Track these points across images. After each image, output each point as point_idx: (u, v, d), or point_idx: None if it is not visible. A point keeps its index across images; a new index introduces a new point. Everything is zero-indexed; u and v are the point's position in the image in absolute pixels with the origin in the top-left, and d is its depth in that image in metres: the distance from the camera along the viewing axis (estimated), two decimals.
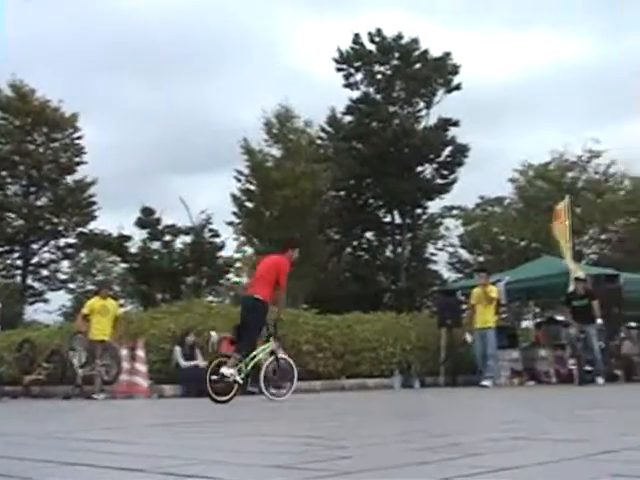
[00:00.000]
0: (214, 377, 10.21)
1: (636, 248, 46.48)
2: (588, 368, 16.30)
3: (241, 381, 10.45)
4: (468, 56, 70.38)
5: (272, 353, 10.97)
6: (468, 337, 17.59)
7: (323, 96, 60.16)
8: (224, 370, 10.22)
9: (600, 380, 15.63)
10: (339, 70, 46.69)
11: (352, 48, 46.41)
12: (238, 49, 73.05)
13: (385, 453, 3.66)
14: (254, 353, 10.70)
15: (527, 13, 79.16)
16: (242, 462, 3.45)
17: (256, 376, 10.79)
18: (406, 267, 47.30)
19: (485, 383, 16.40)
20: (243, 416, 8.04)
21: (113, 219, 59.36)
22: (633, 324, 18.97)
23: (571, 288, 16.66)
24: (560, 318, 19.84)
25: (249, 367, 10.58)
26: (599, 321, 16.16)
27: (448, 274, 50.54)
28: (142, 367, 15.72)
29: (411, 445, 3.96)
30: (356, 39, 46.38)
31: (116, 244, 42.42)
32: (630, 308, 19.69)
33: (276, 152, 37.33)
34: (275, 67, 68.54)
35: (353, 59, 46.52)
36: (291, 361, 11.33)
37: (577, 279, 16.60)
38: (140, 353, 15.78)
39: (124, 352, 15.73)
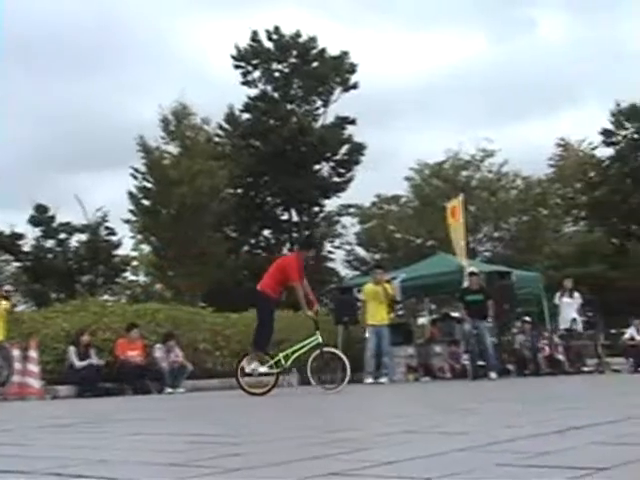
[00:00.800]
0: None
1: (528, 246, 47.69)
2: (481, 363, 16.66)
3: (274, 372, 10.69)
4: (366, 55, 71.29)
5: (318, 346, 11.18)
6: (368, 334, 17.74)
7: (221, 93, 59.94)
8: (244, 365, 10.60)
9: (493, 375, 15.96)
10: (237, 67, 46.61)
11: (250, 45, 46.37)
12: (136, 44, 72.03)
13: (277, 449, 3.68)
14: (299, 345, 10.99)
15: (426, 14, 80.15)
16: (136, 460, 3.43)
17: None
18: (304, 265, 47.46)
19: (368, 380, 16.53)
20: (138, 415, 7.97)
21: (5, 217, 57.98)
22: (527, 318, 19.44)
23: (465, 284, 16.99)
24: (455, 314, 20.24)
25: (290, 360, 10.88)
26: (489, 320, 16.55)
27: (345, 271, 50.98)
28: (35, 368, 15.38)
29: (303, 441, 3.99)
30: (254, 36, 46.34)
31: (8, 242, 41.48)
32: (522, 304, 20.20)
33: (173, 149, 37.04)
34: (173, 63, 68.03)
35: (251, 56, 46.47)
36: (340, 353, 11.62)
37: (471, 274, 16.92)
38: (33, 354, 15.44)
39: (16, 353, 15.39)
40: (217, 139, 43.83)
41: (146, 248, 42.12)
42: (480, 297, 16.47)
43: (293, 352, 10.90)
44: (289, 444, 3.93)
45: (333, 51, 46.56)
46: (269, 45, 46.59)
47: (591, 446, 3.25)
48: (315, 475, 2.70)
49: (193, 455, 3.47)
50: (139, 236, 40.52)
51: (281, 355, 10.80)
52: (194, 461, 3.20)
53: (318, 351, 11.12)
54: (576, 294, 18.90)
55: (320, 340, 11.02)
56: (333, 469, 2.80)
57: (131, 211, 37.56)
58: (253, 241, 48.81)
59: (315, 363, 11.11)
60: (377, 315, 16.90)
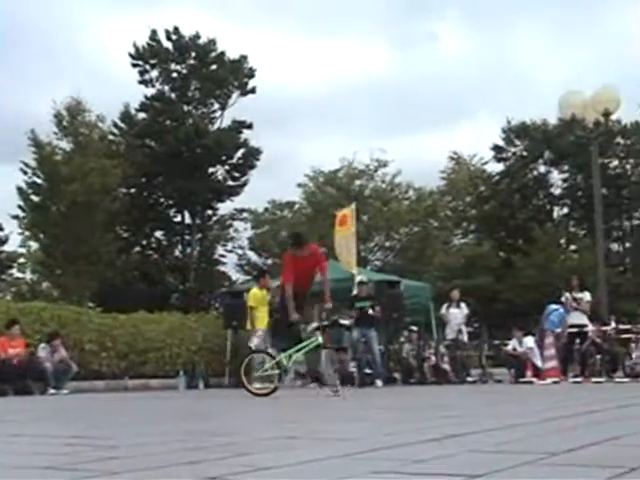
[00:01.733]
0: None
1: (418, 256, 48.42)
2: (368, 371, 16.82)
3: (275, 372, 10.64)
4: (266, 60, 71.29)
5: (319, 347, 10.94)
6: (254, 340, 17.72)
7: (118, 91, 59.20)
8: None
9: (379, 382, 16.14)
10: (135, 66, 46.06)
11: (149, 44, 45.90)
12: (33, 37, 70.52)
13: (157, 453, 3.66)
14: (300, 346, 10.69)
15: (329, 22, 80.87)
16: (11, 464, 3.36)
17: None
18: (195, 268, 47.22)
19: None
20: (18, 416, 7.80)
21: None
22: (414, 328, 19.70)
23: (355, 291, 17.15)
24: (344, 322, 20.33)
25: (290, 361, 10.66)
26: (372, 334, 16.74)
27: (237, 276, 50.89)
28: None
29: (185, 445, 3.97)
30: (153, 36, 45.91)
31: None
32: (410, 314, 20.48)
33: (66, 145, 36.36)
34: (70, 59, 66.77)
35: (149, 56, 46.02)
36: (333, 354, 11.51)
37: (360, 283, 17.09)
38: None
39: None
40: (112, 137, 43.21)
41: (34, 245, 41.22)
42: (368, 304, 16.66)
43: (295, 352, 10.74)
44: (169, 448, 3.90)
45: (232, 54, 46.54)
46: (168, 45, 46.21)
47: (468, 454, 3.32)
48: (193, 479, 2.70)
49: (71, 458, 3.41)
50: (27, 233, 39.63)
51: (282, 355, 10.67)
52: (71, 464, 3.16)
53: (325, 352, 10.93)
54: (463, 305, 19.25)
55: (321, 341, 10.83)
56: (210, 474, 2.79)
57: (20, 207, 36.69)
58: (145, 242, 48.27)
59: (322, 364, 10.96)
60: (263, 320, 17.00)
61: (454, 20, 79.59)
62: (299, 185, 50.70)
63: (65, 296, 30.99)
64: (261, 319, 17.10)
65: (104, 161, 35.28)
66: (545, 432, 4.40)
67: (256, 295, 17.32)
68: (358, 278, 17.57)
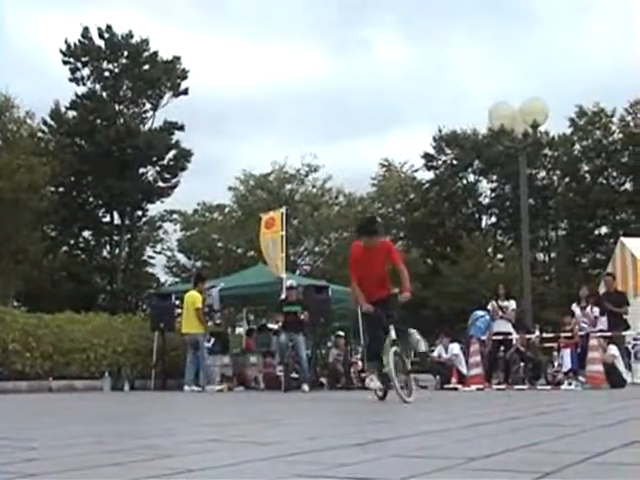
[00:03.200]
0: None
1: (347, 261, 48.58)
2: (295, 375, 16.84)
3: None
4: (200, 62, 70.90)
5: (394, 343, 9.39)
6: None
7: (48, 88, 58.21)
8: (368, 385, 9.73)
9: (306, 387, 16.15)
10: (65, 63, 45.47)
11: (80, 42, 45.35)
12: None
13: (78, 455, 3.62)
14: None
15: (264, 27, 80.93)
16: None
17: None
18: (123, 269, 46.79)
19: (187, 388, 16.56)
20: None
21: None
22: (341, 333, 19.76)
23: (283, 295, 17.15)
24: (271, 326, 20.34)
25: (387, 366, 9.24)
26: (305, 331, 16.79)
27: (165, 277, 50.57)
28: None
29: (107, 447, 3.95)
30: (85, 33, 45.38)
31: None
32: (337, 319, 20.54)
33: None
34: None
35: (81, 53, 45.48)
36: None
37: (290, 287, 17.10)
38: None
39: None
40: (41, 135, 42.64)
41: None
42: (297, 309, 16.67)
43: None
44: (91, 449, 3.88)
45: (165, 55, 46.24)
46: (100, 43, 45.72)
47: (390, 458, 3.36)
48: None
49: None
50: None
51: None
52: None
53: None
54: None
55: (394, 337, 9.35)
56: (134, 476, 2.79)
57: None
58: (72, 241, 47.68)
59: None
60: (190, 325, 17.11)
61: (389, 28, 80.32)
62: (230, 188, 50.67)
63: None
64: (189, 324, 17.18)
65: (32, 159, 34.78)
66: (466, 438, 4.46)
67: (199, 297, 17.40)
68: (288, 282, 17.57)
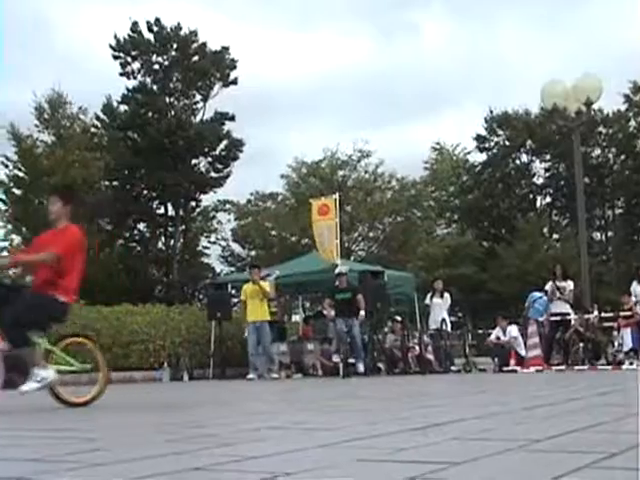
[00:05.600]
0: None
1: (401, 246, 48.50)
2: (352, 361, 16.85)
3: None
4: (249, 51, 70.97)
5: None
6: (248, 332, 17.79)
7: (99, 84, 58.73)
8: None
9: (361, 367, 16.15)
10: (116, 58, 45.78)
11: (130, 36, 45.59)
12: (10, 29, 69.94)
13: (140, 444, 3.66)
14: None
15: (311, 14, 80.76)
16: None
17: None
18: (178, 260, 47.12)
19: (251, 376, 16.62)
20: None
21: None
22: (398, 318, 19.72)
23: (336, 282, 17.12)
24: (327, 313, 20.38)
25: None
26: (362, 314, 16.69)
27: (220, 267, 50.84)
28: None
29: (168, 436, 3.98)
30: (134, 27, 45.59)
31: None
32: (393, 304, 20.52)
33: (47, 138, 36.21)
34: (51, 50, 66.27)
35: (130, 47, 45.71)
36: None
37: (339, 274, 17.03)
38: None
39: None
40: (93, 130, 42.99)
41: (17, 238, 41.02)
42: (349, 295, 16.64)
43: None
44: (152, 439, 3.91)
45: (214, 46, 46.31)
46: (149, 37, 45.95)
47: (450, 442, 3.34)
48: (177, 470, 2.71)
49: (53, 450, 3.41)
50: (9, 226, 39.43)
51: None
52: (55, 456, 3.16)
53: None
54: (446, 295, 19.27)
55: None
56: (196, 464, 2.81)
57: (1, 200, 36.55)
58: (128, 234, 48.10)
59: None
60: (255, 312, 17.12)
61: (437, 11, 79.69)
62: (282, 176, 50.71)
63: None
64: (251, 312, 17.23)
65: (86, 154, 35.15)
66: (527, 420, 4.43)
67: (247, 289, 17.49)
68: (337, 269, 17.54)
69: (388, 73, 75.47)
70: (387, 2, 79.81)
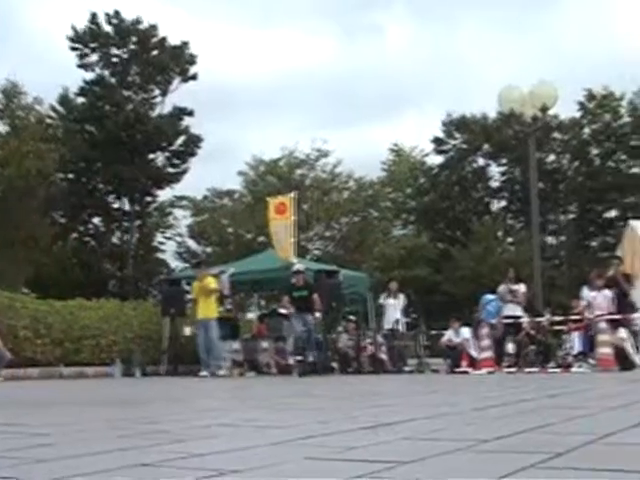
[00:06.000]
0: None
1: (357, 246, 48.64)
2: (306, 359, 16.85)
3: None
4: (210, 47, 70.71)
5: None
6: (187, 330, 17.76)
7: (56, 75, 58.28)
8: None
9: (318, 371, 16.20)
10: (74, 49, 45.36)
11: (88, 28, 45.21)
12: None
13: (90, 440, 3.65)
14: None
15: (274, 12, 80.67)
16: None
17: None
18: (133, 255, 46.82)
19: (204, 373, 16.59)
20: None
21: None
22: (352, 318, 19.78)
23: (293, 280, 17.14)
24: (283, 311, 20.37)
25: None
26: (317, 314, 16.75)
27: (175, 263, 50.60)
28: None
29: (119, 432, 3.96)
30: (93, 19, 45.22)
31: None
32: (348, 304, 20.59)
33: (1, 128, 35.79)
34: (7, 40, 65.49)
35: (89, 39, 45.34)
36: None
37: (296, 272, 17.08)
38: None
39: None
40: (49, 121, 42.56)
41: None
42: (305, 293, 16.67)
43: None
44: (102, 435, 3.90)
45: (174, 40, 46.07)
46: (108, 29, 45.59)
47: (401, 441, 3.37)
48: (124, 466, 2.70)
49: (1, 445, 3.39)
50: None
51: None
52: (1, 452, 3.14)
53: None
54: (400, 296, 19.37)
55: None
56: (144, 460, 2.80)
57: None
58: (82, 228, 47.71)
59: None
60: (202, 310, 17.14)
61: (400, 13, 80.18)
62: (240, 173, 50.62)
63: None
64: (200, 309, 17.23)
65: (41, 145, 34.73)
66: (477, 420, 4.47)
67: (195, 287, 17.59)
68: (294, 267, 17.57)
69: (350, 73, 75.79)
70: (351, 2, 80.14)
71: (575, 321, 17.30)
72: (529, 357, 17.61)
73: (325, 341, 18.27)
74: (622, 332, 15.77)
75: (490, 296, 19.00)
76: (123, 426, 4.34)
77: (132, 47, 45.70)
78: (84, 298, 20.11)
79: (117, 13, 45.54)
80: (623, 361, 15.13)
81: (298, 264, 18.31)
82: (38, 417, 5.39)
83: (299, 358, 16.59)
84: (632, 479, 2.35)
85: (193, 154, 47.19)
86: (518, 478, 2.36)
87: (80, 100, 45.56)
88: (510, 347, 18.13)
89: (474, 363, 17.41)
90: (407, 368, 18.90)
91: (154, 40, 45.87)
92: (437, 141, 53.79)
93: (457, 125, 53.15)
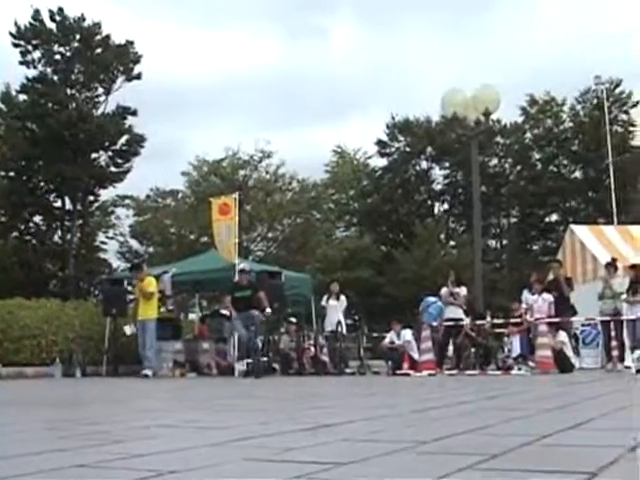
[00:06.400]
0: None
1: (300, 248, 48.70)
2: (248, 361, 16.72)
3: None
4: (155, 47, 70.20)
5: None
6: (127, 329, 17.60)
7: None
8: None
9: (256, 373, 15.99)
10: (16, 46, 44.76)
11: (31, 24, 44.63)
12: None
13: (28, 440, 3.61)
14: None
15: (220, 12, 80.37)
16: None
17: None
18: (75, 254, 46.34)
19: (146, 372, 16.45)
20: None
21: None
22: (293, 319, 19.78)
23: (236, 279, 16.97)
24: (224, 312, 20.30)
25: None
26: (268, 310, 16.25)
27: (117, 263, 50.22)
28: None
29: (58, 433, 3.93)
30: (36, 15, 44.66)
31: None
32: (291, 305, 20.59)
33: None
34: None
35: (31, 36, 44.76)
36: None
37: (241, 271, 16.91)
38: None
39: None
40: None
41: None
42: (248, 293, 16.40)
43: None
44: (39, 435, 3.86)
45: (118, 39, 45.70)
46: (51, 26, 45.06)
47: (340, 443, 3.38)
48: (60, 467, 2.68)
49: None
50: None
51: None
52: None
53: None
54: (342, 297, 19.41)
55: None
56: (81, 461, 2.78)
57: None
58: (23, 227, 47.09)
59: None
60: (141, 310, 17.07)
61: (345, 16, 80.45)
62: (183, 174, 50.43)
63: None
64: (139, 310, 17.16)
65: None
66: (416, 422, 4.51)
67: (137, 288, 17.56)
68: (240, 266, 17.44)
69: (294, 75, 75.90)
70: (295, 4, 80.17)
71: (515, 324, 17.50)
72: (470, 359, 17.78)
73: (267, 342, 18.22)
74: (561, 335, 15.99)
75: (431, 298, 19.14)
76: (63, 427, 4.30)
77: (75, 45, 45.22)
78: (24, 297, 19.85)
79: (60, 10, 45.05)
80: (562, 364, 15.33)
81: (243, 263, 18.25)
82: None
83: (248, 361, 16.27)
84: None
85: (136, 154, 46.86)
86: (456, 479, 2.39)
87: (22, 97, 44.99)
88: (451, 349, 18.31)
89: (415, 365, 17.50)
90: (348, 370, 18.96)
91: (98, 38, 45.45)
92: (380, 144, 54.06)
93: (401, 128, 53.48)
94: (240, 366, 16.52)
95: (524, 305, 17.39)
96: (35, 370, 17.52)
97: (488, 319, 19.12)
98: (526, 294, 17.53)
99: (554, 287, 17.11)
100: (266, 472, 2.58)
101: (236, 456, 2.91)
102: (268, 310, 16.17)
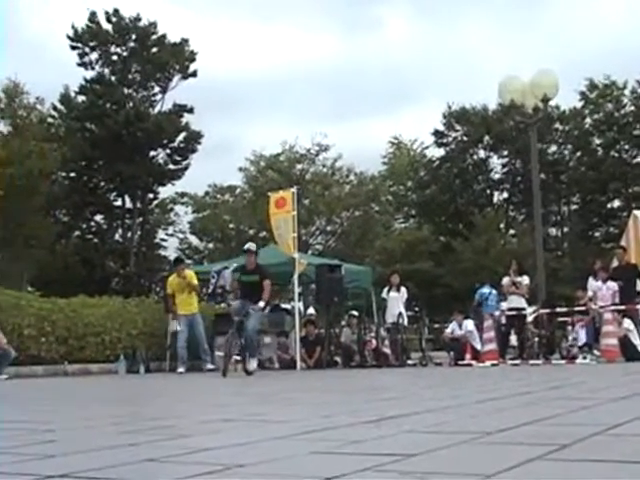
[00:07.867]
0: None
1: (359, 240, 48.64)
2: (238, 358, 14.91)
3: None
4: (210, 44, 70.52)
5: None
6: (176, 325, 17.66)
7: (57, 74, 58.18)
8: None
9: (254, 365, 14.37)
10: (74, 48, 45.39)
11: (88, 26, 45.23)
12: None
13: (95, 436, 3.64)
14: None
15: (274, 7, 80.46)
16: None
17: None
18: (135, 252, 46.88)
19: (209, 366, 16.53)
20: None
21: None
22: (354, 313, 19.76)
23: (243, 262, 15.71)
24: (285, 306, 20.35)
25: None
26: (261, 304, 14.43)
27: None
28: None
29: (124, 428, 3.96)
30: (92, 17, 45.25)
31: None
32: (351, 298, 20.55)
33: (3, 128, 35.84)
34: (7, 40, 65.35)
35: (88, 38, 45.36)
36: None
37: (246, 251, 14.95)
38: None
39: None
40: (51, 120, 42.66)
41: None
42: (255, 278, 14.26)
43: None
44: (107, 431, 3.90)
45: (173, 38, 46.08)
46: (108, 27, 45.61)
47: (404, 434, 3.37)
48: (130, 462, 2.70)
49: (8, 442, 3.39)
50: None
51: None
52: (6, 448, 3.13)
53: None
54: (403, 289, 19.34)
55: None
56: (150, 455, 2.80)
57: None
58: (85, 226, 47.77)
59: None
60: (185, 305, 17.18)
61: (400, 6, 79.91)
62: (240, 169, 50.66)
63: (3, 280, 30.56)
64: (181, 305, 17.43)
65: (43, 144, 34.80)
66: (481, 412, 4.46)
67: (172, 283, 17.74)
68: (245, 246, 15.48)
69: (350, 68, 75.71)
70: None
71: (580, 312, 17.29)
72: (533, 349, 17.62)
73: (327, 335, 18.25)
74: (627, 323, 15.76)
75: (485, 290, 19.04)
76: (130, 422, 4.34)
77: (132, 45, 45.74)
78: (87, 296, 20.11)
79: (116, 11, 45.58)
80: (628, 352, 15.12)
81: (303, 259, 18.20)
82: (44, 414, 5.39)
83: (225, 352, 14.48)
84: None
85: (194, 151, 47.25)
86: (525, 469, 2.35)
87: (81, 98, 45.62)
88: (514, 339, 18.15)
89: (478, 356, 17.40)
90: (410, 362, 18.91)
91: (153, 37, 45.89)
92: (437, 134, 53.67)
93: (457, 117, 53.03)
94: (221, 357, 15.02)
95: (590, 293, 17.15)
96: (99, 367, 17.74)
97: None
98: (591, 281, 17.29)
99: (619, 274, 16.86)
100: (334, 464, 2.57)
101: (303, 449, 2.91)
102: (261, 304, 13.94)
